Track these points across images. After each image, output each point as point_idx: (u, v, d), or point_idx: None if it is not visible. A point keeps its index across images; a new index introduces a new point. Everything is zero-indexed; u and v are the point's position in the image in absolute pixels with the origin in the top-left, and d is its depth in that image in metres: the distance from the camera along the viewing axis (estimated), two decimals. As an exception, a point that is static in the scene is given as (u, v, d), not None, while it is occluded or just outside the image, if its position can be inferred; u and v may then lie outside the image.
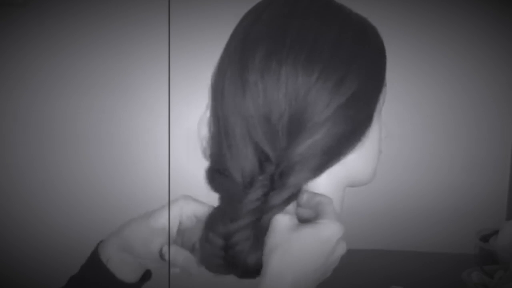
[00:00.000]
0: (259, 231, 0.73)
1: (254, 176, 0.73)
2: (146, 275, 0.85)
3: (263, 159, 0.74)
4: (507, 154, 2.03)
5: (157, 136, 2.01)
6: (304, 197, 0.76)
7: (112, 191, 2.10)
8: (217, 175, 0.76)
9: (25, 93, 2.10)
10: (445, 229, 2.03)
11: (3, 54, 2.08)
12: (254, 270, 0.73)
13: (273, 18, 0.75)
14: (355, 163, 0.77)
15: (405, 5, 1.97)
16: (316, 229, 0.71)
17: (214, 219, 0.75)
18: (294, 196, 0.75)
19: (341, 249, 0.73)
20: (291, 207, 0.75)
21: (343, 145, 0.75)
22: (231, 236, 0.73)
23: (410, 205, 2.07)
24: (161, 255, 0.79)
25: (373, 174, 0.82)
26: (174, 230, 0.80)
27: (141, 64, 2.07)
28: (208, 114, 0.79)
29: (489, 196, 2.03)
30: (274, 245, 0.71)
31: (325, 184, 0.78)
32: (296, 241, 0.71)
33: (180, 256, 0.79)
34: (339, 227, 0.72)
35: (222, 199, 0.76)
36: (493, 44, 1.99)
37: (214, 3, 2.00)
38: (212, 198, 0.78)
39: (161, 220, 0.79)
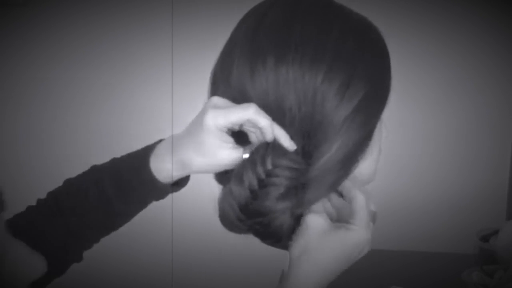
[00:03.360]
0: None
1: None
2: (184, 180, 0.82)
3: None
4: (507, 154, 2.03)
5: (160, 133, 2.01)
6: (343, 186, 0.76)
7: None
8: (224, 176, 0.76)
9: (25, 93, 2.10)
10: (445, 229, 2.03)
11: (3, 54, 2.08)
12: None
13: (276, 22, 0.75)
14: None
15: (403, 6, 1.97)
16: (347, 235, 0.74)
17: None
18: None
19: (365, 252, 0.76)
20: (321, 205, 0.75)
21: (358, 154, 0.75)
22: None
23: (409, 205, 2.07)
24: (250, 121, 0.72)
25: (374, 174, 0.82)
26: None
27: (145, 62, 2.07)
28: None
29: (489, 196, 2.03)
30: (305, 247, 0.73)
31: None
32: (326, 245, 0.73)
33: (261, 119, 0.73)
34: (368, 234, 0.74)
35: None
36: (493, 43, 1.99)
37: (215, 3, 2.00)
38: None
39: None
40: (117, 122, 2.10)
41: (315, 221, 0.73)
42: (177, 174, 0.79)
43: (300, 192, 0.72)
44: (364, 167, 0.78)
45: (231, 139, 0.74)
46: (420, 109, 2.00)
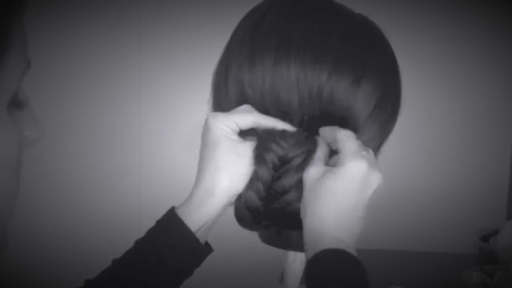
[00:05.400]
0: None
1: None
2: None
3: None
4: (507, 154, 2.03)
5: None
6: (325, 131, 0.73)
7: (117, 190, 2.10)
8: None
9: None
10: (445, 229, 2.03)
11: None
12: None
13: (276, 22, 0.75)
14: None
15: (403, 6, 1.97)
16: (337, 174, 0.67)
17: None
18: None
19: (374, 182, 0.69)
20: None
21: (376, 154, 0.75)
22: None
23: (410, 205, 2.07)
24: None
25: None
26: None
27: (150, 61, 2.07)
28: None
29: (489, 196, 2.04)
30: (306, 201, 0.69)
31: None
32: (324, 190, 0.68)
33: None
34: (360, 163, 0.67)
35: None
36: (492, 43, 1.99)
37: (214, 4, 2.00)
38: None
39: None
40: (121, 122, 2.10)
41: (309, 173, 0.70)
42: (207, 211, 0.73)
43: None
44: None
45: (239, 139, 0.73)
46: (420, 109, 2.01)
